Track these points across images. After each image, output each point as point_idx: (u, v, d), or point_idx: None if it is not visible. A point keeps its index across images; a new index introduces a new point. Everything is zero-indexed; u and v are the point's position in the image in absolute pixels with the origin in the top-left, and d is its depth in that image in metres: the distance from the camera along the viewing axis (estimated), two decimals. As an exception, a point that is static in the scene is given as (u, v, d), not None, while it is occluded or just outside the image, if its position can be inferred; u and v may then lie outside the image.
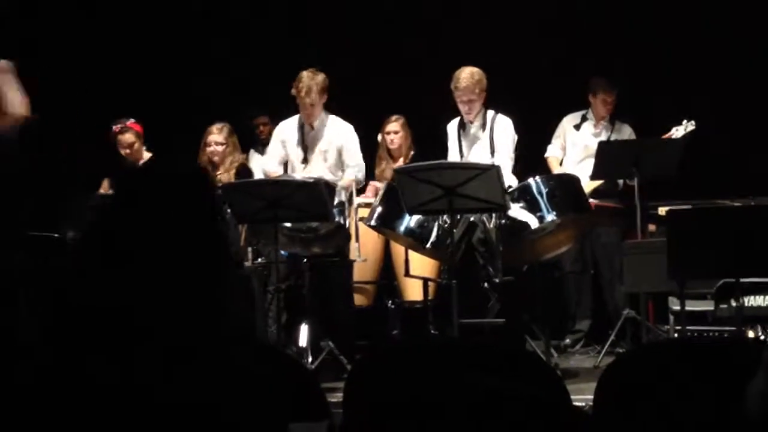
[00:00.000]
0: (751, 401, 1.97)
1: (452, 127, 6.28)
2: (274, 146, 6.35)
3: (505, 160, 6.04)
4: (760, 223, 4.73)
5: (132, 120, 6.61)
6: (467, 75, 6.03)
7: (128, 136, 6.56)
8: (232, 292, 1.84)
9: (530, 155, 6.56)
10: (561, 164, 6.80)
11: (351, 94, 7.35)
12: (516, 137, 6.15)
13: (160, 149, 6.65)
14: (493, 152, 6.10)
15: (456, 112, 6.22)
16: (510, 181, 5.89)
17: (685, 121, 6.39)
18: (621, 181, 6.48)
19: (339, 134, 6.20)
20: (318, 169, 6.17)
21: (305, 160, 6.21)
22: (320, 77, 6.07)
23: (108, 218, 1.90)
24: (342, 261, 6.05)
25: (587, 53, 7.29)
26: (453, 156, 6.19)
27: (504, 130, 6.12)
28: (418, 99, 7.19)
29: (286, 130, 6.29)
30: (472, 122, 6.17)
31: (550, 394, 2.43)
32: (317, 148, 6.22)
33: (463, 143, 6.21)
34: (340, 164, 6.22)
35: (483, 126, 6.15)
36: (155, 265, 1.78)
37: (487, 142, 6.13)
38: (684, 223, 5.00)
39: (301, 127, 6.22)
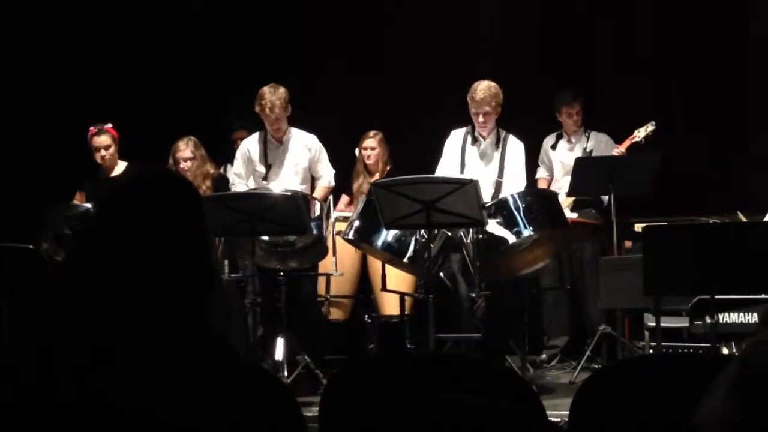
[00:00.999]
0: (706, 426, 1.89)
1: (457, 136, 6.25)
2: (239, 165, 6.41)
3: (520, 183, 6.08)
4: (735, 240, 4.76)
5: (110, 125, 6.59)
6: (485, 87, 6.03)
7: (105, 138, 6.53)
8: (214, 307, 1.82)
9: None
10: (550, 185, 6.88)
11: (329, 108, 7.38)
12: None
13: (135, 158, 6.61)
14: (501, 172, 6.11)
15: (443, 126, 6.23)
16: None
17: (648, 125, 6.53)
18: (606, 197, 6.52)
19: (308, 146, 6.34)
20: (289, 183, 6.20)
21: (266, 177, 6.28)
22: (281, 91, 6.16)
23: (93, 234, 1.86)
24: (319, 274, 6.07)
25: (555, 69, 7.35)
26: (449, 165, 6.18)
27: (518, 152, 6.14)
28: (396, 115, 7.22)
29: (250, 148, 6.38)
30: (485, 138, 6.17)
31: (526, 410, 2.43)
32: (287, 162, 6.27)
33: (468, 156, 6.19)
34: (308, 176, 6.38)
35: (497, 144, 6.15)
36: (143, 280, 1.76)
37: (498, 160, 6.13)
38: (660, 240, 5.02)
39: (264, 143, 6.28)
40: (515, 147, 6.15)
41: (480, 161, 6.18)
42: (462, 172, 6.11)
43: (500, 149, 6.14)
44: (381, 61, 7.71)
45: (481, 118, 6.07)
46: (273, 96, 6.11)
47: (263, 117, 6.19)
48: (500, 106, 6.09)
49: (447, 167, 6.17)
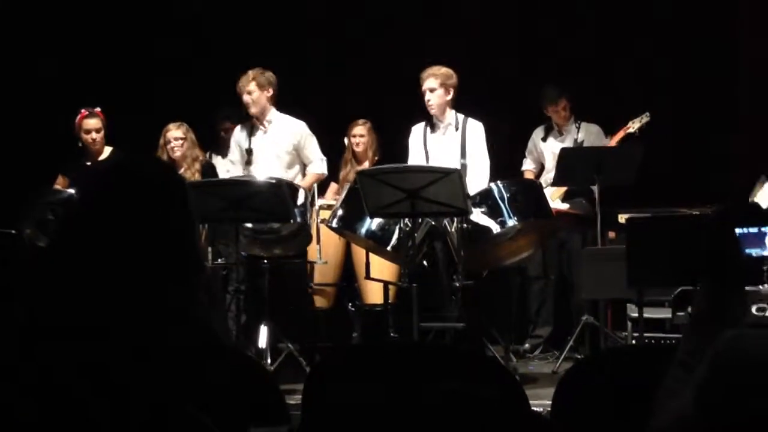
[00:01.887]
0: (665, 420, 1.88)
1: (417, 129, 6.27)
2: (234, 152, 6.44)
3: (483, 164, 6.08)
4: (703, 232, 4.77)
5: (98, 109, 6.58)
6: (432, 67, 6.08)
7: (95, 121, 6.53)
8: (199, 294, 1.81)
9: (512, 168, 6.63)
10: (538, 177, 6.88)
11: (319, 96, 7.37)
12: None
13: (120, 145, 6.58)
14: (463, 154, 6.11)
15: (422, 118, 6.23)
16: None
17: (642, 116, 6.54)
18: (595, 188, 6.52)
19: (293, 133, 6.31)
20: (271, 169, 6.20)
21: (249, 162, 6.28)
22: (262, 74, 6.20)
23: (77, 218, 1.83)
24: (303, 262, 6.07)
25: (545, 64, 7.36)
26: (416, 160, 6.19)
27: (478, 134, 6.14)
28: (386, 104, 7.21)
29: (238, 134, 6.43)
30: (441, 121, 6.16)
31: (508, 399, 2.44)
32: (268, 148, 6.27)
33: (430, 145, 6.20)
34: (294, 162, 6.33)
35: (456, 127, 6.16)
36: (127, 265, 1.74)
37: (458, 143, 6.14)
38: (643, 231, 5.04)
39: (249, 128, 6.31)
40: (475, 128, 6.16)
41: (442, 148, 6.17)
42: (427, 161, 6.11)
43: (460, 132, 6.15)
44: (370, 51, 7.68)
45: (427, 96, 6.07)
46: (248, 78, 6.18)
47: (242, 101, 6.22)
48: (452, 89, 6.08)
49: (413, 161, 6.17)
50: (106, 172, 1.91)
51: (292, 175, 6.29)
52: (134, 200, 1.81)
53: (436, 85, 6.06)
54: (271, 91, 6.24)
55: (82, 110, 6.56)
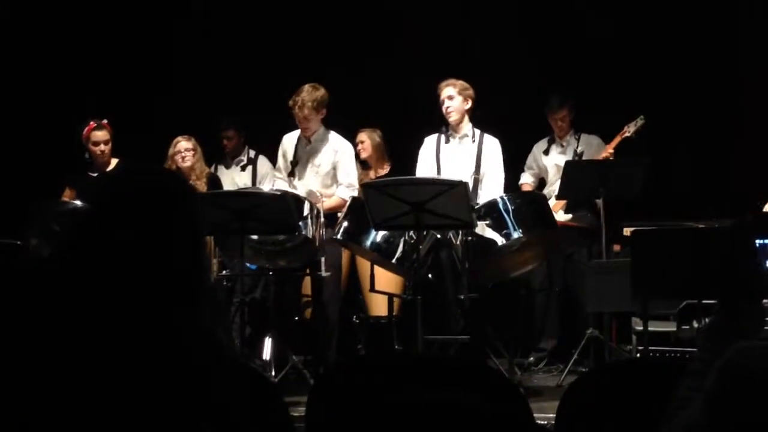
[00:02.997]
0: (675, 431, 1.85)
1: (430, 140, 6.29)
2: (279, 160, 6.41)
3: (499, 180, 6.11)
4: (721, 245, 4.77)
5: (105, 121, 6.62)
6: (448, 79, 6.12)
7: (104, 132, 6.57)
8: (205, 305, 1.79)
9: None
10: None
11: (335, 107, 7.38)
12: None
13: (126, 155, 6.60)
14: (477, 168, 6.12)
15: (433, 130, 6.24)
16: None
17: (637, 119, 6.58)
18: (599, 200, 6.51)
19: (336, 150, 6.26)
20: (310, 182, 6.19)
21: (292, 174, 6.25)
22: (319, 93, 6.11)
23: (85, 228, 1.81)
24: (313, 274, 6.06)
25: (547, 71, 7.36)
26: (425, 170, 6.20)
27: (495, 150, 6.16)
28: (396, 116, 7.22)
29: (286, 143, 6.37)
30: (457, 132, 6.17)
31: (513, 412, 2.43)
32: (311, 162, 6.25)
33: (443, 156, 6.20)
34: (333, 179, 6.26)
35: (473, 139, 6.17)
36: (135, 277, 1.72)
37: (474, 156, 6.15)
38: (648, 244, 5.03)
39: (298, 140, 6.29)
40: (492, 144, 6.17)
41: (456, 158, 6.17)
42: (438, 173, 6.12)
43: (477, 145, 6.16)
44: (388, 61, 7.68)
45: (446, 103, 6.08)
46: (308, 95, 6.08)
47: (294, 112, 6.15)
48: (470, 99, 6.12)
49: (422, 172, 6.18)
50: (113, 182, 1.89)
51: (331, 191, 6.24)
52: (141, 210, 1.80)
53: (454, 93, 6.11)
54: (324, 112, 6.20)
55: (91, 122, 6.59)
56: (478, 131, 6.20)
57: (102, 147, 6.54)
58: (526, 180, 7.00)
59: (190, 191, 1.90)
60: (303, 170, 6.28)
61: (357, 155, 6.96)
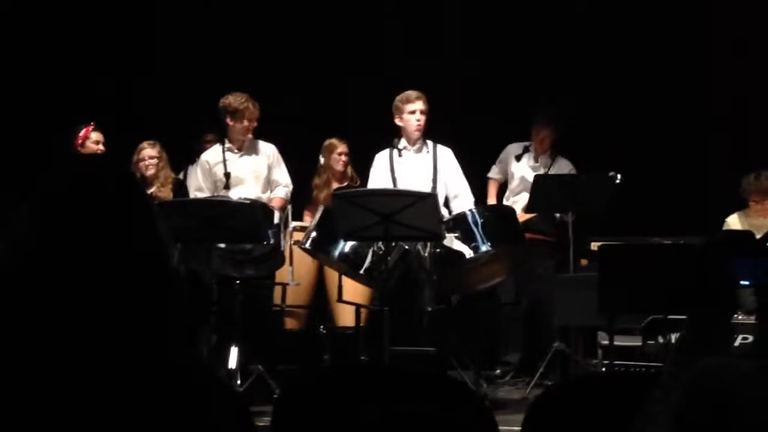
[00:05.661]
0: None
1: (382, 156, 6.21)
2: (199, 179, 6.39)
3: (466, 187, 6.12)
4: (689, 261, 4.81)
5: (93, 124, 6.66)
6: (414, 91, 6.06)
7: (99, 134, 6.59)
8: (174, 309, 1.70)
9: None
10: (501, 189, 6.92)
11: (292, 118, 7.37)
12: None
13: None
14: (434, 178, 6.10)
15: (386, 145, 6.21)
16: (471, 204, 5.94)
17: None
18: (558, 215, 6.54)
19: (268, 154, 6.39)
20: (251, 190, 6.22)
21: (227, 186, 6.29)
22: (256, 107, 6.24)
23: (35, 228, 1.70)
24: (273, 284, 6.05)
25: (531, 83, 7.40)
26: (379, 185, 6.12)
27: (451, 159, 6.15)
28: (361, 128, 7.22)
29: (210, 160, 6.39)
30: (411, 146, 6.13)
31: (478, 424, 2.43)
32: (247, 170, 6.29)
33: (398, 170, 6.15)
34: (267, 183, 6.39)
35: (427, 152, 6.15)
36: (92, 279, 1.63)
37: (430, 167, 6.12)
38: (615, 259, 5.07)
39: (223, 153, 6.32)
40: (447, 154, 6.15)
41: (412, 171, 6.13)
42: (395, 186, 6.07)
43: (431, 156, 6.14)
44: (349, 75, 7.70)
45: (418, 116, 6.00)
46: (253, 106, 6.20)
47: (236, 121, 6.20)
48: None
49: (375, 187, 6.11)
50: (60, 175, 1.73)
51: (267, 196, 6.35)
52: (94, 214, 1.69)
53: (425, 108, 6.06)
54: (255, 123, 6.29)
55: (89, 125, 6.60)
56: (430, 142, 6.18)
57: (101, 146, 6.58)
58: (494, 175, 7.04)
59: (127, 176, 1.76)
60: (241, 180, 6.31)
61: (327, 168, 6.94)
